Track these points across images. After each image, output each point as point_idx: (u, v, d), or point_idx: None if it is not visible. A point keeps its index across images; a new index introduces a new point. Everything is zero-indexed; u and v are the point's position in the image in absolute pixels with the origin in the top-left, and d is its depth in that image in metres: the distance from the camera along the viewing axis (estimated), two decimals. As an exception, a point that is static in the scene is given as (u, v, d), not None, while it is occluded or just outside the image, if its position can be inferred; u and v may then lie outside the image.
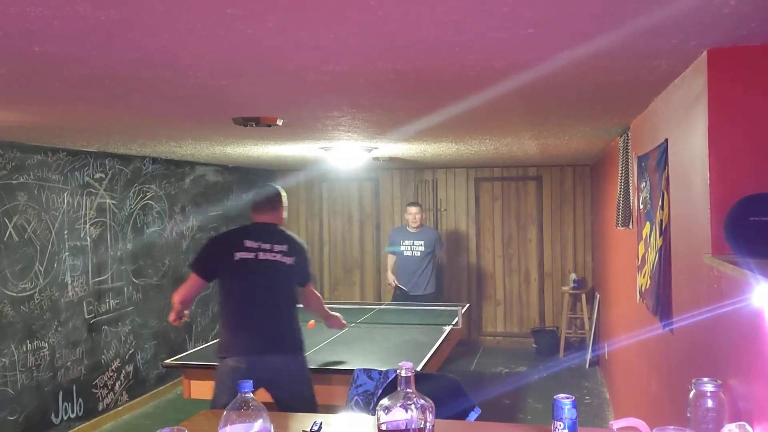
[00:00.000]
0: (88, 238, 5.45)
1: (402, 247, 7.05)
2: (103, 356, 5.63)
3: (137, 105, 3.18)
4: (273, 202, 3.69)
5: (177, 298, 3.60)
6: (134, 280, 6.03)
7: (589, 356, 7.16)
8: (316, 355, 4.32)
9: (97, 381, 5.56)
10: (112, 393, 5.74)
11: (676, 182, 2.72)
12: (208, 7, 1.67)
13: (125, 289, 5.92)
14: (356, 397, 3.04)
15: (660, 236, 3.04)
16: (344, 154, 5.45)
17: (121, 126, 3.98)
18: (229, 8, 1.68)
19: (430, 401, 1.86)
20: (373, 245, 8.56)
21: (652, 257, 3.26)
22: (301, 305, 3.82)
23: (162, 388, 6.40)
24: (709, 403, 1.78)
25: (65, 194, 5.23)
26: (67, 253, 5.23)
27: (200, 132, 4.35)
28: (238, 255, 3.52)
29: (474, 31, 1.92)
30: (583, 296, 7.63)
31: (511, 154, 6.19)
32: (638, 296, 3.82)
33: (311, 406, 3.52)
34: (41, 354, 5.00)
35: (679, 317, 2.71)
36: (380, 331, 5.45)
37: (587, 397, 6.05)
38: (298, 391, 3.55)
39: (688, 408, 1.82)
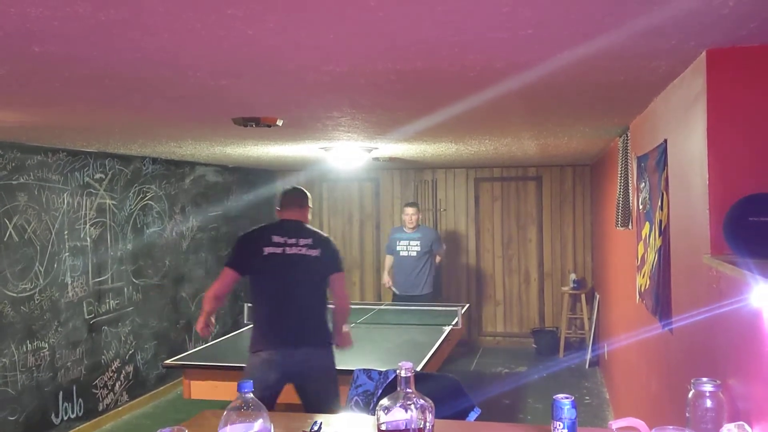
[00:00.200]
0: (88, 239, 5.45)
1: (398, 247, 7.06)
2: (103, 356, 5.63)
3: (137, 105, 3.19)
4: (300, 201, 3.86)
5: (210, 293, 3.69)
6: (134, 280, 6.03)
7: (588, 356, 7.16)
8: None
9: (97, 381, 5.56)
10: (112, 393, 5.74)
11: (676, 182, 2.72)
12: (209, 7, 1.67)
13: (125, 289, 5.92)
14: (356, 398, 3.04)
15: (659, 236, 3.04)
16: (344, 155, 5.45)
17: (121, 126, 3.99)
18: (229, 8, 1.68)
19: (430, 401, 1.86)
20: (373, 245, 8.56)
21: (652, 257, 3.26)
22: (331, 305, 3.88)
23: (162, 388, 6.40)
24: (708, 403, 1.78)
25: (65, 194, 5.23)
26: (67, 254, 5.23)
27: (200, 132, 4.35)
28: (267, 250, 3.65)
29: (474, 32, 1.92)
30: (583, 296, 7.63)
31: (511, 154, 6.19)
32: (638, 296, 3.82)
33: (336, 405, 3.55)
34: (41, 354, 5.00)
35: (678, 317, 2.71)
36: (380, 331, 5.45)
37: (587, 397, 6.05)
38: (325, 388, 3.61)
39: (687, 408, 1.82)
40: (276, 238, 3.68)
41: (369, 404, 2.96)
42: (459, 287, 8.39)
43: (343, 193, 8.69)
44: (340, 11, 1.71)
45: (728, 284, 2.00)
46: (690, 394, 1.83)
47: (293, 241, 3.70)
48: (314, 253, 3.71)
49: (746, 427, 1.67)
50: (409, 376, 1.85)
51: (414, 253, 6.99)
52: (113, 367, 5.76)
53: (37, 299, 4.96)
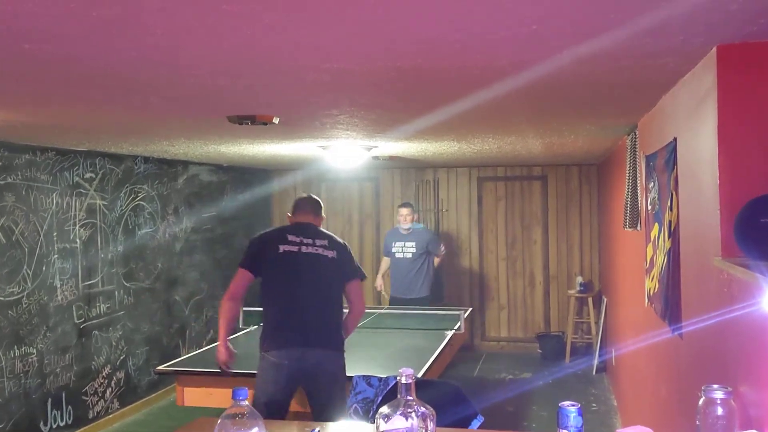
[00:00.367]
0: (77, 240, 5.47)
1: (394, 249, 7.07)
2: (93, 362, 5.64)
3: (134, 105, 3.20)
4: (316, 207, 4.02)
5: (226, 296, 3.72)
6: (125, 283, 6.04)
7: (596, 362, 7.17)
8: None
9: (87, 388, 5.57)
10: (102, 400, 5.75)
11: (685, 182, 2.73)
12: (207, 5, 1.68)
13: (116, 292, 5.93)
14: (355, 405, 3.06)
15: (668, 238, 3.05)
16: (343, 153, 5.46)
17: (116, 126, 4.00)
18: (227, 5, 1.69)
19: (431, 409, 1.87)
20: (373, 246, 8.57)
21: (661, 260, 3.27)
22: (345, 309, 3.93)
23: (154, 395, 6.41)
24: (719, 410, 1.79)
25: (54, 195, 5.24)
26: (56, 256, 5.24)
27: (194, 130, 4.36)
28: (282, 248, 3.72)
29: (475, 29, 1.93)
30: (590, 300, 7.64)
31: (515, 153, 6.20)
32: (646, 300, 3.83)
33: (342, 412, 3.57)
34: (29, 360, 5.01)
35: (688, 322, 2.72)
36: (380, 336, 5.46)
37: (594, 405, 6.06)
38: (334, 393, 3.65)
39: (697, 416, 1.83)
40: (291, 237, 3.77)
41: (368, 412, 2.97)
42: (461, 290, 8.40)
43: (342, 193, 8.70)
44: (340, 9, 1.73)
45: (740, 287, 2.01)
46: (700, 402, 1.83)
47: (309, 240, 3.80)
48: (330, 254, 3.80)
49: (757, 435, 1.68)
50: (410, 383, 1.87)
51: (409, 255, 7.00)
52: (104, 374, 5.77)
53: (25, 303, 4.97)
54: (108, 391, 5.82)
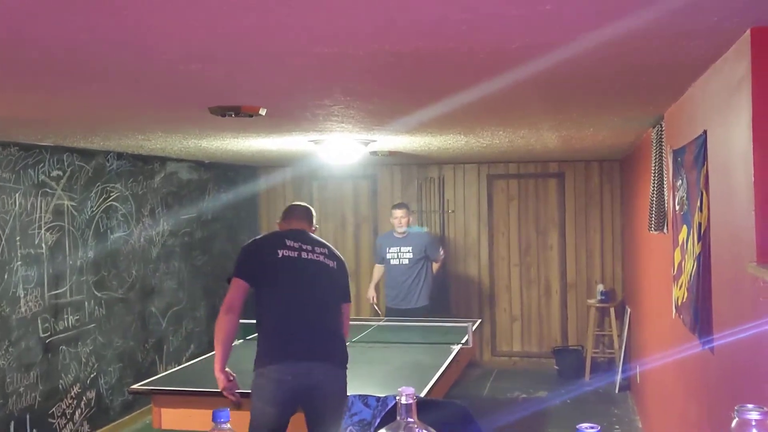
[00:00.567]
0: (43, 246, 5.46)
1: (388, 255, 7.05)
2: (60, 381, 5.63)
3: (96, 94, 3.19)
4: (310, 215, 4.10)
5: (223, 309, 3.67)
6: (96, 293, 6.03)
7: (618, 379, 7.16)
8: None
9: (54, 409, 5.56)
10: (71, 423, 5.74)
11: (717, 180, 2.73)
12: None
13: (86, 303, 5.92)
14: (350, 427, 3.04)
15: (698, 242, 3.04)
16: (337, 148, 5.46)
17: (80, 117, 3.99)
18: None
19: (435, 432, 1.86)
20: (370, 252, 8.55)
21: (690, 266, 3.27)
22: None
23: (128, 417, 6.40)
24: (754, 433, 1.78)
25: (17, 195, 5.23)
26: (19, 263, 5.23)
27: (172, 123, 4.36)
28: (281, 253, 3.75)
29: (482, 8, 1.92)
30: (612, 310, 7.63)
31: (529, 147, 6.20)
32: (674, 310, 3.82)
33: None
34: (-11, 378, 5.00)
35: (720, 334, 2.71)
36: (378, 351, 5.45)
37: (616, 426, 6.05)
38: (334, 414, 3.62)
39: (729, 439, 1.82)
40: (290, 242, 3.81)
41: (365, 435, 2.96)
42: (469, 300, 8.39)
43: (336, 193, 8.69)
44: (330, -15, 1.72)
45: (777, 297, 2.00)
46: (733, 423, 1.82)
47: (308, 247, 3.84)
48: (331, 263, 3.87)
49: (797, 461, 1.67)
50: (411, 404, 1.85)
51: (406, 261, 6.99)
52: (72, 393, 5.76)
53: (-15, 315, 4.97)
54: (77, 413, 5.81)
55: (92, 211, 5.99)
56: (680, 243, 3.58)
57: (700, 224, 3.01)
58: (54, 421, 5.58)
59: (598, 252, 8.14)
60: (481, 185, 8.38)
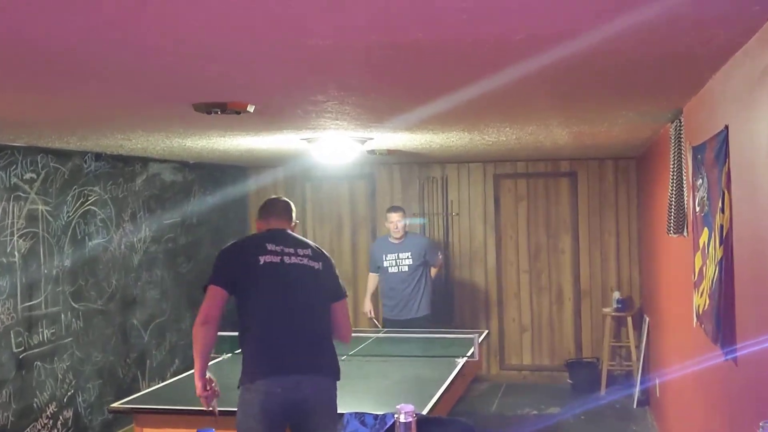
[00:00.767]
0: (15, 254, 5.46)
1: (386, 263, 7.04)
2: (35, 399, 5.63)
3: (71, 90, 3.20)
4: (289, 211, 4.07)
5: (198, 321, 3.67)
6: (74, 304, 6.04)
7: (636, 393, 7.17)
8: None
9: (28, 430, 5.56)
10: (46, 444, 5.74)
11: (739, 179, 2.74)
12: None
13: (62, 315, 5.92)
14: (347, 447, 3.04)
15: (720, 245, 3.05)
16: (332, 147, 5.47)
17: (53, 116, 3.99)
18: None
19: (437, 452, 1.87)
20: (368, 258, 8.56)
21: (711, 271, 3.28)
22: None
23: (109, 437, 6.40)
24: (780, 450, 1.79)
25: (-13, 199, 5.24)
26: (-10, 272, 5.24)
27: (153, 121, 4.36)
28: (263, 259, 3.74)
29: (486, -4, 1.93)
30: (629, 320, 7.63)
31: (538, 144, 6.21)
32: (695, 319, 3.83)
33: None
34: (-41, 397, 5.00)
35: (743, 344, 2.72)
36: (377, 365, 5.46)
37: (635, 445, 6.06)
38: (324, 430, 3.63)
39: (754, 457, 1.83)
40: (271, 246, 3.79)
41: (363, 456, 2.97)
42: (475, 310, 8.40)
43: (331, 194, 8.70)
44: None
45: (803, 304, 2.01)
46: (757, 440, 1.83)
47: (291, 250, 3.82)
48: (316, 265, 3.86)
49: (826, 480, 1.68)
50: (410, 422, 1.86)
51: (406, 268, 6.98)
52: (48, 412, 5.76)
53: (-46, 329, 4.97)
54: (53, 434, 5.81)
55: (69, 217, 6.00)
56: (701, 247, 3.59)
57: (721, 226, 3.02)
58: (28, 442, 5.58)
59: (613, 257, 8.15)
60: (488, 185, 8.39)
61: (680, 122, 4.28)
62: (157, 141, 5.43)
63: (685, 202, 4.20)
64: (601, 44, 2.43)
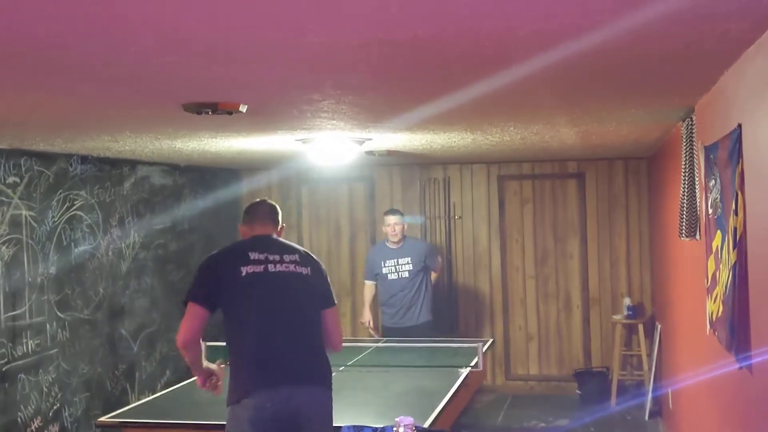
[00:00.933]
0: (-2, 261, 5.46)
1: (385, 269, 7.03)
2: (19, 413, 5.63)
3: (56, 89, 3.20)
4: (274, 214, 4.06)
5: (179, 343, 3.72)
6: (59, 313, 6.04)
7: (648, 404, 7.17)
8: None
9: (12, 445, 5.56)
10: (31, 461, 5.74)
11: (753, 179, 2.74)
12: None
13: (47, 325, 5.92)
14: (346, 462, 3.06)
15: (734, 249, 3.06)
16: (329, 148, 5.48)
17: (37, 117, 4.00)
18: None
19: (438, 465, 1.88)
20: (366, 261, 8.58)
21: (725, 276, 3.28)
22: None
23: (96, 453, 6.40)
24: (796, 462, 1.80)
25: (-31, 204, 5.24)
26: (-29, 281, 5.24)
27: (142, 122, 4.37)
28: (245, 270, 3.73)
29: (488, -9, 1.94)
30: (640, 327, 7.64)
31: (544, 144, 6.22)
32: (708, 326, 3.83)
33: None
34: (-61, 411, 5.00)
35: (759, 351, 2.73)
36: (377, 376, 5.46)
37: (647, 458, 6.06)
38: None
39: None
40: (254, 255, 3.78)
41: (362, 470, 2.98)
42: (480, 317, 8.40)
43: (328, 198, 8.71)
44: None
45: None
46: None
47: (276, 257, 3.81)
48: (304, 270, 3.85)
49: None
50: (411, 434, 1.87)
51: (406, 274, 6.98)
52: (33, 427, 5.76)
53: (-66, 340, 4.97)
54: (38, 449, 5.82)
55: (54, 222, 6.00)
56: (714, 251, 3.60)
57: (735, 229, 3.03)
58: (12, 458, 5.58)
59: (623, 261, 8.15)
60: (492, 187, 8.40)
61: (692, 120, 4.28)
62: (145, 143, 5.44)
63: (698, 204, 4.21)
64: (607, 40, 2.44)
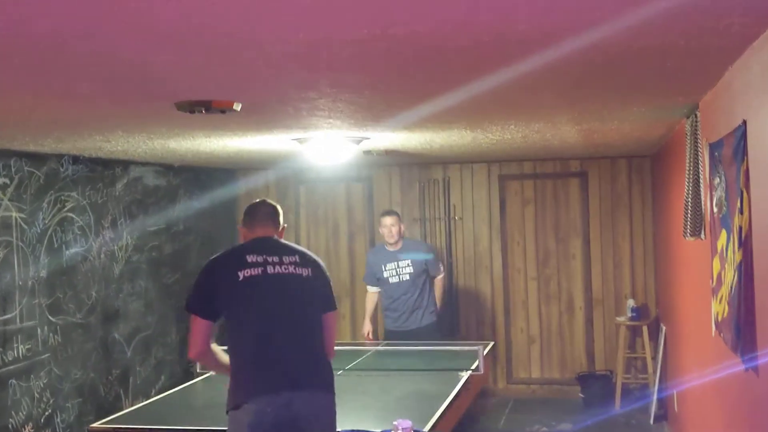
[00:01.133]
0: (-12, 264, 5.46)
1: (386, 273, 7.01)
2: (10, 420, 5.62)
3: (46, 87, 3.20)
4: (275, 215, 4.04)
5: (192, 356, 3.80)
6: (51, 317, 6.03)
7: (653, 408, 7.17)
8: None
9: (3, 452, 5.56)
10: (23, 468, 5.74)
11: (758, 177, 2.74)
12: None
13: (39, 330, 5.92)
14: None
15: (739, 249, 3.05)
16: (326, 147, 5.48)
17: (27, 116, 4.00)
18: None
19: (437, 470, 1.88)
20: (365, 267, 8.57)
21: (730, 276, 3.28)
22: None
23: (89, 460, 6.40)
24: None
25: (-42, 206, 5.24)
26: (-39, 284, 5.24)
27: (134, 121, 4.37)
28: (242, 274, 3.72)
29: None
30: (645, 329, 7.63)
31: (545, 143, 6.21)
32: (713, 327, 3.83)
33: None
34: (-71, 418, 5.00)
35: (765, 352, 2.73)
36: (376, 379, 5.46)
37: (652, 463, 6.07)
38: None
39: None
40: (252, 258, 3.77)
41: (360, 476, 2.98)
42: (481, 320, 8.40)
43: (326, 198, 8.71)
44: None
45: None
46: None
47: (275, 258, 3.80)
48: (305, 272, 3.84)
49: None
50: (410, 438, 1.87)
51: (407, 277, 6.95)
52: (24, 434, 5.76)
53: (-77, 345, 4.97)
54: (30, 456, 5.81)
55: (44, 224, 6.00)
56: (719, 250, 3.60)
57: (740, 228, 3.02)
58: (4, 466, 5.58)
59: (627, 262, 8.15)
60: (492, 187, 8.39)
61: (696, 117, 4.28)
62: (138, 142, 5.44)
63: (702, 202, 4.21)
64: (608, 35, 2.44)
